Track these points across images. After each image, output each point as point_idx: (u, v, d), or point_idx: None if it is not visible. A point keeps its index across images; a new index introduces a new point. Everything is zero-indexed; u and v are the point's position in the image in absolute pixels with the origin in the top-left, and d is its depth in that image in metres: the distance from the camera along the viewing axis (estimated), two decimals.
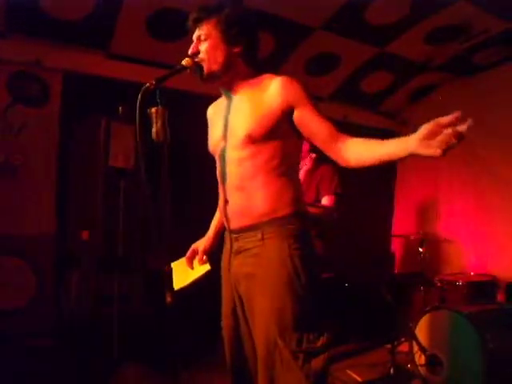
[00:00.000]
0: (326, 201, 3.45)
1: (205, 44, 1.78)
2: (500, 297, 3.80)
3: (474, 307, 3.35)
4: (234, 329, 1.85)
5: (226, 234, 1.90)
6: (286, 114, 1.74)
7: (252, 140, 1.73)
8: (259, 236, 1.74)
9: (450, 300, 3.71)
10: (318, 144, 1.76)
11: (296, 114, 1.74)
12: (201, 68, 1.77)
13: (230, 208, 1.83)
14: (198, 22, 1.79)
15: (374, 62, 4.36)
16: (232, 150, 1.80)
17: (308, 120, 1.74)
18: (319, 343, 1.69)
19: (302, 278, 1.70)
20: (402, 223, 5.52)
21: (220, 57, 1.78)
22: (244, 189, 1.77)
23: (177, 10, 3.22)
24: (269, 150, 1.75)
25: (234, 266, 1.82)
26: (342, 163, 1.70)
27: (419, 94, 5.20)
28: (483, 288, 3.73)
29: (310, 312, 1.70)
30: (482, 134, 4.73)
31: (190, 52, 1.79)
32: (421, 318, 3.28)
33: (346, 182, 3.53)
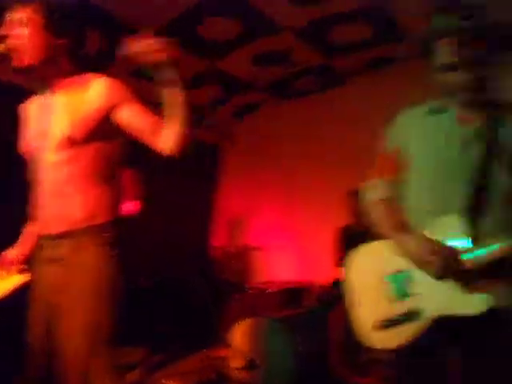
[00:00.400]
0: (129, 207, 3.47)
1: (23, 29, 1.62)
2: (308, 301, 4.24)
3: (284, 312, 3.69)
4: (44, 348, 1.67)
5: (40, 241, 1.75)
6: (109, 114, 1.69)
7: (71, 142, 1.64)
8: (74, 244, 1.65)
9: (262, 307, 4.01)
10: (145, 140, 1.73)
11: (120, 113, 1.70)
12: (12, 56, 1.61)
13: (44, 213, 1.71)
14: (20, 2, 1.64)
15: (203, 76, 4.51)
16: (48, 152, 1.68)
17: (133, 117, 1.71)
18: (135, 356, 1.68)
19: (117, 289, 1.65)
20: (221, 234, 5.76)
21: (39, 46, 1.63)
22: (61, 194, 1.67)
23: None
24: (89, 153, 1.68)
25: (47, 276, 1.67)
26: (165, 153, 1.70)
27: (243, 111, 5.53)
28: (293, 294, 4.12)
29: (125, 324, 1.65)
30: (297, 153, 5.28)
31: None
32: (236, 324, 3.48)
33: (166, 192, 3.58)
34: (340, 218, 4.57)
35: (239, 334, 3.43)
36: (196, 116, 5.23)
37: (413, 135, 1.67)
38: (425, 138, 1.64)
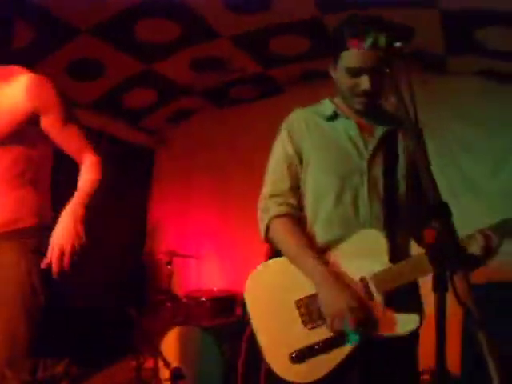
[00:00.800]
0: None
1: None
2: (238, 310, 4.28)
3: (214, 321, 3.72)
4: None
5: None
6: (32, 119, 1.60)
7: None
8: None
9: (194, 315, 4.01)
10: (68, 154, 1.73)
11: (44, 122, 1.63)
12: None
13: None
14: None
15: (139, 78, 4.46)
16: None
17: (57, 131, 1.65)
18: (58, 369, 1.62)
19: (39, 299, 1.58)
20: (154, 240, 5.69)
21: None
22: None
23: None
24: (11, 155, 1.59)
25: None
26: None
27: (179, 116, 5.52)
28: (225, 303, 4.15)
29: (47, 335, 1.60)
30: (231, 161, 5.33)
31: None
32: (166, 333, 3.46)
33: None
34: None
35: (169, 344, 3.41)
36: (132, 118, 5.19)
37: (310, 141, 1.65)
38: (322, 146, 1.63)
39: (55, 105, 1.63)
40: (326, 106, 1.73)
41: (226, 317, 3.97)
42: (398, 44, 1.41)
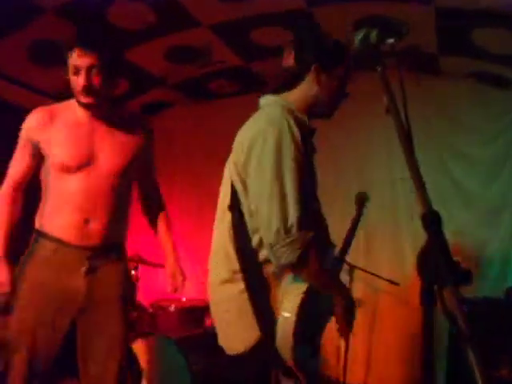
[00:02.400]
0: None
1: None
2: (208, 321, 4.26)
3: (183, 332, 3.70)
4: None
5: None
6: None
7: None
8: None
9: (162, 325, 3.97)
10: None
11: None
12: None
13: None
14: None
15: None
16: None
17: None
18: None
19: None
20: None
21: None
22: None
23: None
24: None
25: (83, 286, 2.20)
26: None
27: (153, 109, 5.47)
28: (194, 313, 4.12)
29: None
30: (206, 156, 5.31)
31: None
32: (131, 344, 3.42)
33: None
34: None
35: (134, 355, 3.38)
36: None
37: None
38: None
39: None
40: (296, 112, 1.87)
41: (195, 328, 3.95)
42: (390, 40, 1.42)
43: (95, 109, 2.25)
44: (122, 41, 4.05)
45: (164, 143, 5.51)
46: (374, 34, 1.41)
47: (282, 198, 1.60)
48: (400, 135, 1.26)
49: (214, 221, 5.24)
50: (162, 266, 4.61)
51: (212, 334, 3.71)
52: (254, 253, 1.69)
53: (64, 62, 2.18)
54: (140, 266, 4.11)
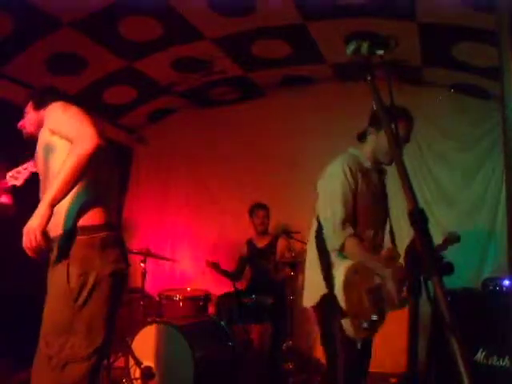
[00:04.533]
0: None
1: None
2: (211, 310, 4.26)
3: (187, 320, 3.69)
4: None
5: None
6: None
7: None
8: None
9: (167, 314, 3.96)
10: None
11: None
12: None
13: None
14: None
15: (120, 75, 4.40)
16: None
17: None
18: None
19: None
20: (128, 238, 5.62)
21: None
22: None
23: None
24: None
25: None
26: None
27: (159, 115, 5.47)
28: (198, 302, 4.12)
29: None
30: (209, 162, 5.32)
31: None
32: (138, 332, 3.41)
33: None
34: (248, 230, 4.67)
35: (140, 342, 3.37)
36: (112, 115, 5.11)
37: (359, 182, 2.29)
38: (364, 190, 2.30)
39: None
40: (364, 159, 2.39)
41: (197, 316, 3.94)
42: (380, 52, 1.42)
43: None
44: (131, 52, 4.06)
45: (169, 147, 5.52)
46: (365, 46, 1.41)
47: (333, 213, 2.25)
48: (389, 140, 1.26)
49: (213, 219, 5.27)
50: (168, 259, 4.65)
51: (214, 322, 3.75)
52: (324, 242, 2.28)
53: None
54: (148, 259, 4.10)
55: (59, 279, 1.83)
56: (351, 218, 2.27)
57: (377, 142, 2.34)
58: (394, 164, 1.35)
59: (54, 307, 1.85)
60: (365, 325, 2.08)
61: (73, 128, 1.85)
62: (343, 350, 2.16)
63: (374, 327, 2.13)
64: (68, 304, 1.81)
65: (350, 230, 2.23)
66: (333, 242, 2.25)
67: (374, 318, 2.09)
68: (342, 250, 2.23)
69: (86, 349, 1.81)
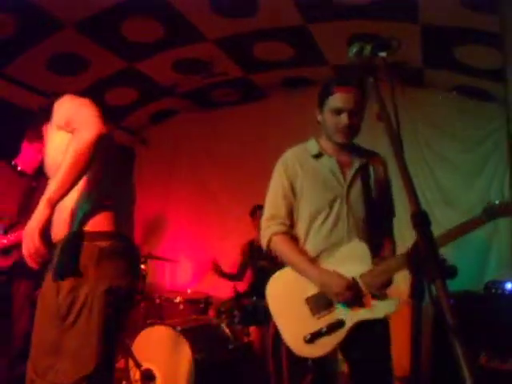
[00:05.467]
0: None
1: None
2: (212, 312, 4.25)
3: (187, 322, 3.67)
4: None
5: None
6: None
7: None
8: None
9: (167, 316, 3.95)
10: None
11: None
12: None
13: None
14: None
15: (121, 76, 4.40)
16: None
17: None
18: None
19: None
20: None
21: None
22: None
23: None
24: None
25: None
26: None
27: (160, 116, 5.46)
28: (198, 304, 4.10)
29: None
30: (211, 163, 5.31)
31: None
32: (138, 333, 3.40)
33: None
34: (249, 232, 4.66)
35: (140, 344, 3.36)
36: (113, 117, 5.11)
37: (302, 175, 2.03)
38: (311, 179, 2.02)
39: None
40: (313, 146, 2.09)
41: (198, 318, 3.93)
42: (382, 54, 1.41)
43: None
44: (132, 53, 4.06)
45: (171, 148, 5.52)
46: (368, 48, 1.41)
47: (263, 212, 2.11)
48: (391, 140, 1.25)
49: (215, 220, 5.27)
50: (169, 260, 4.65)
51: (215, 325, 3.74)
52: None
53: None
54: (148, 261, 4.09)
55: (48, 292, 1.62)
56: (284, 214, 2.03)
57: (323, 122, 2.02)
58: (395, 165, 1.34)
59: (41, 325, 1.64)
60: (308, 337, 1.86)
61: (76, 117, 1.64)
62: (288, 369, 1.98)
63: (327, 340, 1.85)
64: (55, 323, 1.58)
65: (276, 228, 2.02)
66: (262, 242, 2.07)
67: (322, 328, 1.85)
68: (269, 251, 2.05)
69: (73, 375, 1.55)
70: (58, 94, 1.77)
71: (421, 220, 1.07)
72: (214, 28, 3.73)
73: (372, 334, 1.87)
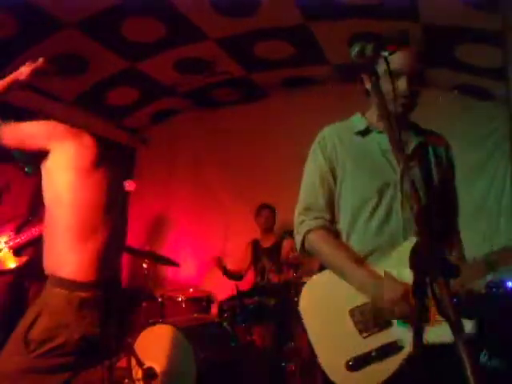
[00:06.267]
0: None
1: None
2: (214, 311, 4.24)
3: (189, 321, 3.67)
4: None
5: None
6: None
7: None
8: None
9: (170, 315, 3.95)
10: None
11: None
12: None
13: None
14: None
15: (123, 76, 4.40)
16: None
17: None
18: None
19: None
20: (130, 236, 5.59)
21: None
22: None
23: None
24: None
25: None
26: None
27: (161, 116, 5.46)
28: (200, 303, 4.10)
29: None
30: (211, 161, 5.30)
31: None
32: (140, 332, 3.40)
33: None
34: (253, 232, 4.66)
35: (142, 343, 3.36)
36: (114, 116, 5.11)
37: (344, 156, 1.66)
38: (356, 161, 1.65)
39: None
40: (358, 121, 1.74)
41: (200, 317, 3.93)
42: (384, 53, 1.41)
43: None
44: (134, 53, 4.06)
45: (172, 147, 5.51)
46: (369, 48, 1.40)
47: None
48: (392, 140, 1.25)
49: (217, 220, 5.26)
50: (171, 260, 4.64)
51: (217, 323, 3.73)
52: None
53: None
54: (150, 260, 4.09)
55: (25, 321, 1.64)
56: (322, 205, 1.66)
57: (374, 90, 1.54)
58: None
59: (8, 350, 1.64)
60: (351, 363, 1.42)
61: None
62: None
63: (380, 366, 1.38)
64: (22, 351, 1.60)
65: (312, 222, 1.64)
66: (295, 242, 1.71)
67: (371, 351, 1.40)
68: (303, 250, 1.67)
69: None
70: None
71: (423, 218, 1.07)
72: (215, 27, 3.73)
73: (441, 365, 1.33)
